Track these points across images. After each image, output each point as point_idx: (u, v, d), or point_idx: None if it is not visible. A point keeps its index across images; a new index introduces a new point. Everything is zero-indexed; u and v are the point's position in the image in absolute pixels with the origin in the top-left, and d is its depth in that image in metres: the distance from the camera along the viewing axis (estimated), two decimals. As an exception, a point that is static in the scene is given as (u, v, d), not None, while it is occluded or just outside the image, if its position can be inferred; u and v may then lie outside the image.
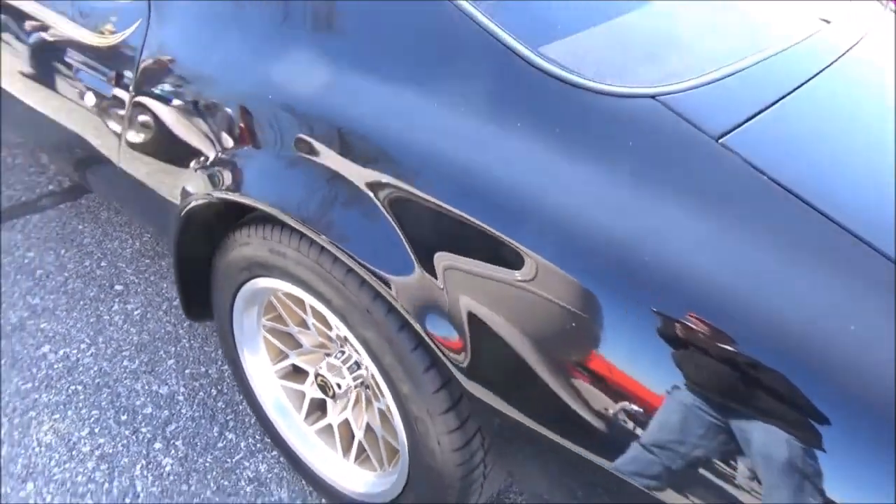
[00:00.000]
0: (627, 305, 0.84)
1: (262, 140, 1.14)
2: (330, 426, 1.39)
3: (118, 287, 1.95)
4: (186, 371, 1.73)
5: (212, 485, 1.48)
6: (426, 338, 0.98)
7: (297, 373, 1.44)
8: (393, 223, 0.98)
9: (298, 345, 1.39)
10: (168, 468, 1.50)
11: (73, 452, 1.51)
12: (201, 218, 1.27)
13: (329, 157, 1.05)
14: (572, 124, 0.95)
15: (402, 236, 0.97)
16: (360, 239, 1.01)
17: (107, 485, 1.46)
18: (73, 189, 2.32)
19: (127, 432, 1.57)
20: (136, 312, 1.88)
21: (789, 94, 1.07)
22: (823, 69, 1.15)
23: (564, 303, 0.87)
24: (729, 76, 1.05)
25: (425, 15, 1.04)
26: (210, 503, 1.44)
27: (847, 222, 0.87)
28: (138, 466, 1.50)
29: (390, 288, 0.98)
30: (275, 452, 1.55)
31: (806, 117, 1.06)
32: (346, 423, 1.37)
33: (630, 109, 0.95)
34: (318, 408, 1.42)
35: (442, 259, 0.95)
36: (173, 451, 1.54)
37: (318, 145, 1.06)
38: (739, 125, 0.96)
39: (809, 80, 1.11)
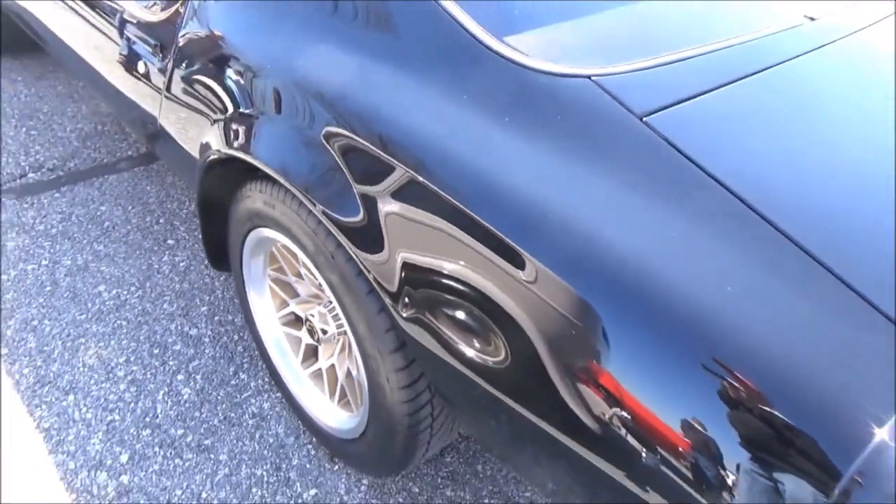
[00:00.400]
0: (538, 254, 0.93)
1: (267, 109, 1.31)
2: (320, 370, 1.55)
3: (170, 241, 2.20)
4: (215, 318, 1.94)
5: (220, 415, 1.67)
6: (372, 281, 1.12)
7: (297, 321, 1.61)
8: (349, 177, 1.12)
9: (297, 294, 1.56)
10: (186, 396, 1.71)
11: (110, 375, 1.75)
12: (218, 173, 1.45)
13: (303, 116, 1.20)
14: (512, 98, 1.05)
15: (354, 189, 1.11)
16: (323, 191, 1.15)
17: (132, 404, 1.68)
18: (147, 156, 2.61)
19: (157, 363, 1.79)
20: (181, 264, 2.11)
21: (737, 80, 1.12)
22: (783, 62, 1.19)
23: (488, 251, 0.97)
24: (675, 62, 1.12)
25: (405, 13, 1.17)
26: (216, 428, 1.64)
27: (754, 201, 0.93)
28: (161, 392, 1.71)
29: (345, 235, 1.12)
30: (278, 394, 1.72)
31: (750, 105, 1.11)
32: (332, 368, 1.52)
33: (565, 87, 1.05)
34: (313, 354, 1.58)
35: (385, 210, 1.07)
36: (192, 383, 1.74)
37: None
38: (666, 107, 1.03)
39: (762, 70, 1.16)
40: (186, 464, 1.56)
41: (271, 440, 1.63)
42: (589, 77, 1.05)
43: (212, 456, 1.58)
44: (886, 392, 0.79)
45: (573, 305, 0.91)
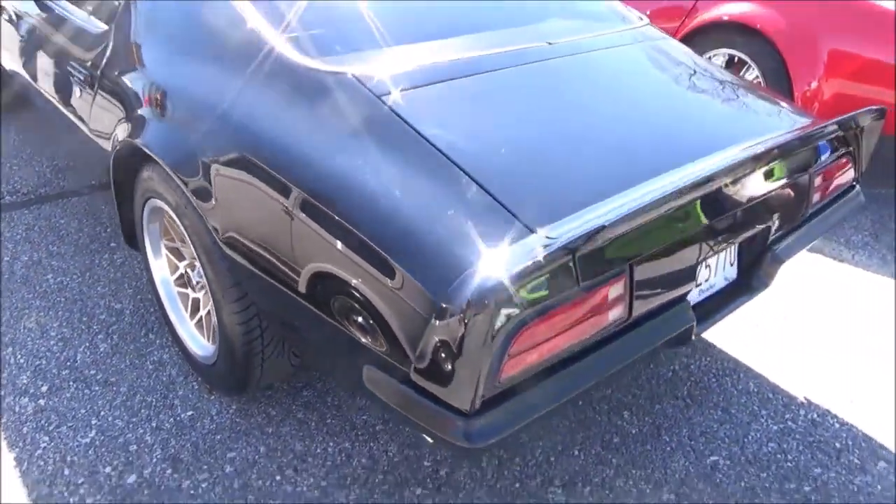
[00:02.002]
0: (285, 185, 1.39)
1: (148, 106, 1.80)
2: (201, 319, 1.97)
3: (112, 245, 2.67)
4: (138, 297, 2.38)
5: (127, 361, 2.09)
6: (207, 224, 1.57)
7: (186, 283, 2.04)
8: (192, 148, 1.59)
9: (184, 258, 2.01)
10: (102, 349, 2.13)
11: (44, 334, 2.18)
12: (125, 160, 1.93)
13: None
14: (290, 87, 1.54)
15: (197, 157, 1.58)
16: (173, 154, 1.63)
17: (58, 354, 2.10)
18: (106, 184, 3.12)
19: (83, 327, 2.22)
20: (119, 260, 2.57)
21: (465, 77, 1.60)
22: (508, 68, 1.68)
23: (281, 197, 1.42)
24: (429, 64, 1.60)
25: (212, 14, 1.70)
26: (122, 370, 2.05)
27: (443, 147, 1.39)
28: (83, 346, 2.14)
29: (187, 186, 1.59)
30: (176, 348, 2.14)
31: (472, 95, 1.58)
32: (209, 314, 1.95)
33: (331, 80, 1.53)
34: (196, 308, 2.01)
35: (212, 167, 1.54)
36: (109, 341, 2.17)
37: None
38: (404, 90, 1.51)
39: (490, 71, 1.64)
40: (93, 393, 1.97)
41: (164, 379, 2.03)
42: (352, 74, 1.53)
43: (114, 388, 1.99)
44: (474, 249, 1.20)
45: (334, 225, 1.33)
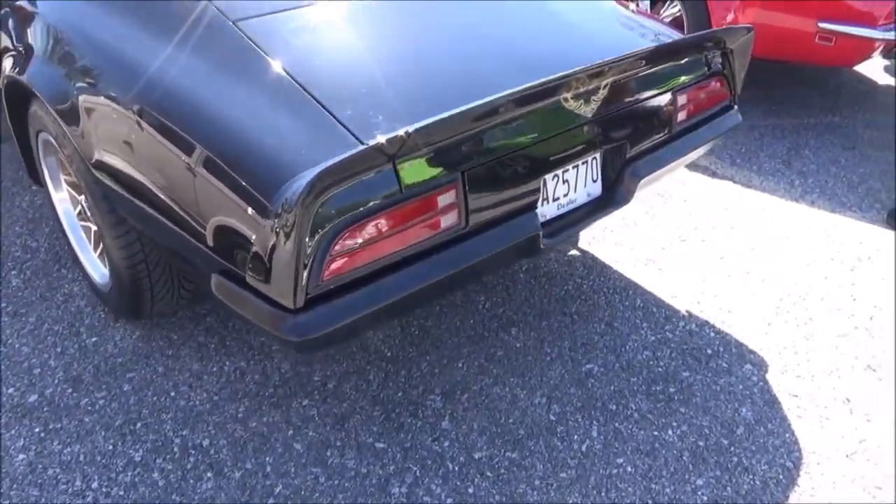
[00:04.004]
0: (141, 108, 1.45)
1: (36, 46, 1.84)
2: (104, 251, 2.05)
3: (34, 188, 2.72)
4: (54, 235, 2.45)
5: (37, 294, 2.17)
6: (80, 152, 1.64)
7: (84, 212, 2.11)
8: (63, 73, 1.64)
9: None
10: (14, 284, 2.21)
11: (-41, 271, 2.26)
12: (14, 97, 1.97)
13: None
14: (148, 15, 1.59)
15: (66, 81, 1.63)
16: (48, 87, 1.68)
17: (-29, 289, 2.19)
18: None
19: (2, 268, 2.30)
20: (39, 202, 2.63)
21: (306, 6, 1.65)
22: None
23: (124, 112, 1.49)
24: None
25: None
26: (32, 302, 2.13)
27: (302, 79, 1.44)
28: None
29: (61, 117, 1.64)
30: (86, 281, 2.22)
31: (329, 19, 1.63)
32: (108, 244, 2.03)
33: (190, 8, 1.57)
34: (99, 240, 2.09)
35: (80, 97, 1.59)
36: (22, 276, 2.25)
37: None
38: (254, 17, 1.55)
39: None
40: (2, 324, 2.06)
41: (73, 309, 2.12)
42: (210, 1, 1.58)
43: (23, 319, 2.08)
44: (303, 158, 1.27)
45: (183, 142, 1.40)
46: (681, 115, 1.88)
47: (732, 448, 1.74)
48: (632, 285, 2.31)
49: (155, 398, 1.83)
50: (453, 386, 1.90)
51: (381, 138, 1.21)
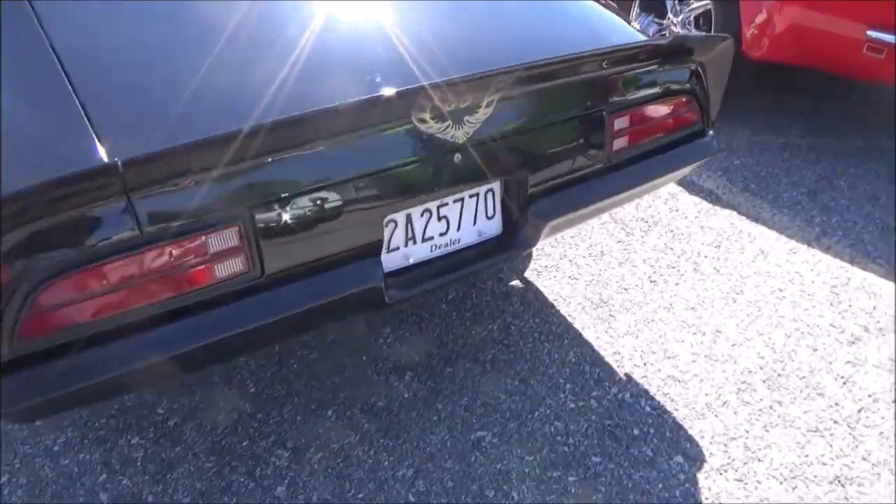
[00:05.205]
0: None
1: None
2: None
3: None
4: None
5: None
6: None
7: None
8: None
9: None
10: None
11: None
12: None
13: None
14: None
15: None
16: None
17: None
18: None
19: None
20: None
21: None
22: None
23: None
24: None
25: None
26: None
27: (73, 70, 1.15)
28: None
29: None
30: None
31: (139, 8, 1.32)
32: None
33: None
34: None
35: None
36: None
37: None
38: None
39: None
40: None
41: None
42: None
43: None
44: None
45: None
46: (619, 142, 1.49)
47: (623, 571, 1.38)
48: (570, 333, 1.94)
49: (-25, 414, 1.63)
50: (310, 440, 1.60)
51: (113, 158, 0.91)
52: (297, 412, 1.67)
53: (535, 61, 1.21)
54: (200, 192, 1.00)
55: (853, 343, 1.92)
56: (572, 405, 1.71)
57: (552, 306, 2.03)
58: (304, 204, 1.11)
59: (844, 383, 1.79)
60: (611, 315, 2.00)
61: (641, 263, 2.21)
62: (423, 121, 1.16)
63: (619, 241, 2.32)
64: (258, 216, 1.07)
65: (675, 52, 1.49)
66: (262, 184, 1.07)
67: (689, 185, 2.64)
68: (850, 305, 2.05)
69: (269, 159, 1.05)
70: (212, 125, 1.03)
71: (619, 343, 1.90)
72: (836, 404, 1.74)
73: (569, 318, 1.98)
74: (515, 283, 2.12)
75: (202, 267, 1.05)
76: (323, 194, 1.12)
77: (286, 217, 1.10)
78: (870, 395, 1.77)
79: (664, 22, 3.08)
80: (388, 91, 1.09)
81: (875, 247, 2.32)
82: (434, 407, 1.69)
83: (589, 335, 1.92)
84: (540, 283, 2.11)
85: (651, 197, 2.56)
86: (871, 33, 2.36)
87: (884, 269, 2.21)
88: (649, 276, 2.16)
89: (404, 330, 1.91)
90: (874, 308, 2.05)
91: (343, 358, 1.83)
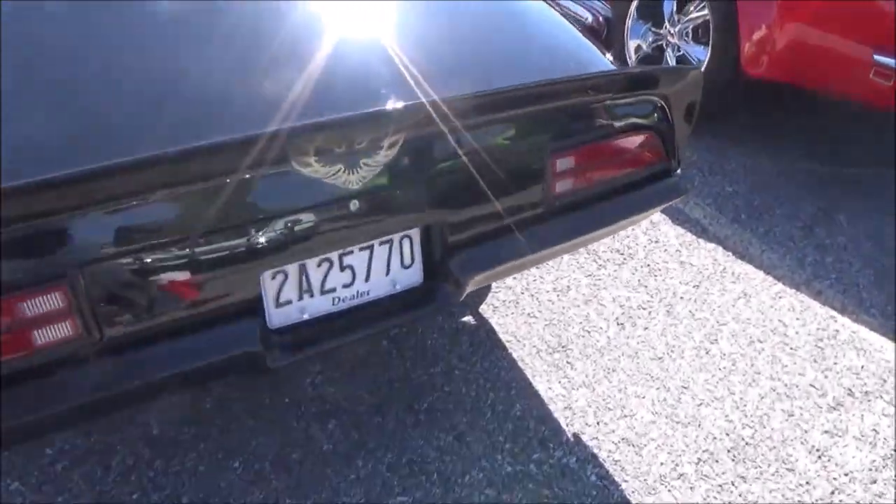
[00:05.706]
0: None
1: None
2: None
3: None
4: None
5: None
6: None
7: None
8: None
9: None
10: None
11: None
12: None
13: None
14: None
15: None
16: None
17: None
18: None
19: None
20: None
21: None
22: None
23: None
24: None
25: None
26: None
27: None
28: None
29: None
30: None
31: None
32: None
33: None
34: None
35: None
36: None
37: None
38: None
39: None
40: None
41: None
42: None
43: None
44: None
45: None
46: (563, 185, 1.30)
47: None
48: (519, 381, 1.75)
49: None
50: (208, 496, 1.44)
51: None
52: (202, 461, 1.51)
53: (449, 97, 1.02)
54: (26, 243, 0.84)
55: (834, 409, 1.72)
56: (509, 468, 1.54)
57: (503, 349, 1.84)
58: (155, 258, 0.94)
59: (819, 457, 1.60)
60: (567, 362, 1.81)
61: (610, 302, 2.02)
62: (305, 164, 0.99)
63: (588, 275, 2.12)
64: (94, 272, 0.90)
65: (636, 83, 1.30)
66: (96, 236, 0.90)
67: (674, 213, 2.43)
68: (835, 363, 1.85)
69: (110, 207, 0.88)
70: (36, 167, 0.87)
71: (573, 396, 1.71)
72: (807, 483, 1.54)
73: (520, 364, 1.80)
74: (468, 319, 1.94)
75: (19, 331, 0.88)
76: (178, 247, 0.95)
77: (129, 274, 0.93)
78: (846, 474, 1.57)
79: (661, 31, 2.86)
80: (256, 131, 0.91)
81: (869, 294, 2.11)
82: (354, 463, 1.52)
83: (540, 385, 1.74)
84: (495, 321, 1.93)
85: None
86: (879, 58, 2.13)
87: (877, 321, 2.00)
88: (616, 318, 1.97)
89: (336, 369, 1.74)
90: (861, 367, 1.84)
91: (264, 397, 1.66)
